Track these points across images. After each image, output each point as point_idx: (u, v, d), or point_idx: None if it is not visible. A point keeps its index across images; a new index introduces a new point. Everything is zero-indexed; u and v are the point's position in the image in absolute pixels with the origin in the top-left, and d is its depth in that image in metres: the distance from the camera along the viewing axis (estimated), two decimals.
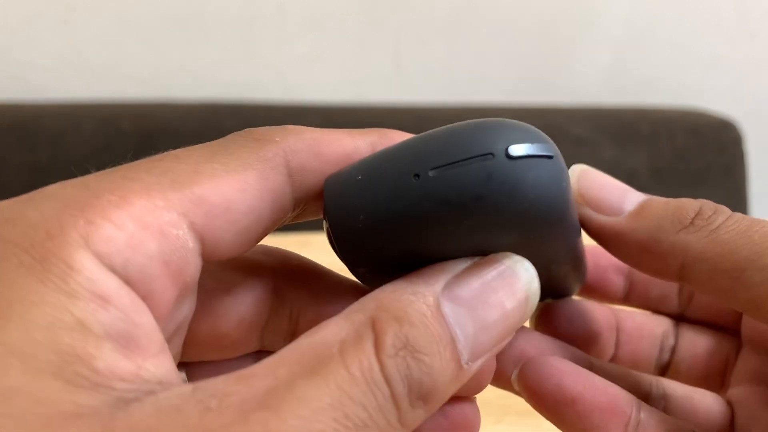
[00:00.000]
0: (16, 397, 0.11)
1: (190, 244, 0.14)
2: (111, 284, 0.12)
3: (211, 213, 0.14)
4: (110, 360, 0.12)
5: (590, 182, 0.20)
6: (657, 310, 0.25)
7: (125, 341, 0.12)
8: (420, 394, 0.13)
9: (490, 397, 0.20)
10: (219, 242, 0.14)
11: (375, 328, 0.13)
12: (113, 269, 0.12)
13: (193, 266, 0.14)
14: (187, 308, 0.15)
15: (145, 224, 0.13)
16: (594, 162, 0.95)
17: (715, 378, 0.23)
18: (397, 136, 0.17)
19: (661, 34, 1.01)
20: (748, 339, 0.23)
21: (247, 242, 0.15)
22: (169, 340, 0.15)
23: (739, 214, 0.18)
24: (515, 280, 0.15)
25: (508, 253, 0.15)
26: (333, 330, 0.13)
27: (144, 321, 0.13)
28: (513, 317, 0.15)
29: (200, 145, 0.16)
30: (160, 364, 0.13)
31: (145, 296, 0.13)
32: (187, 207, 0.14)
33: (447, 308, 0.14)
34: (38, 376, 0.11)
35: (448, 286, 0.14)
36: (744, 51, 1.04)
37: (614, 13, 0.99)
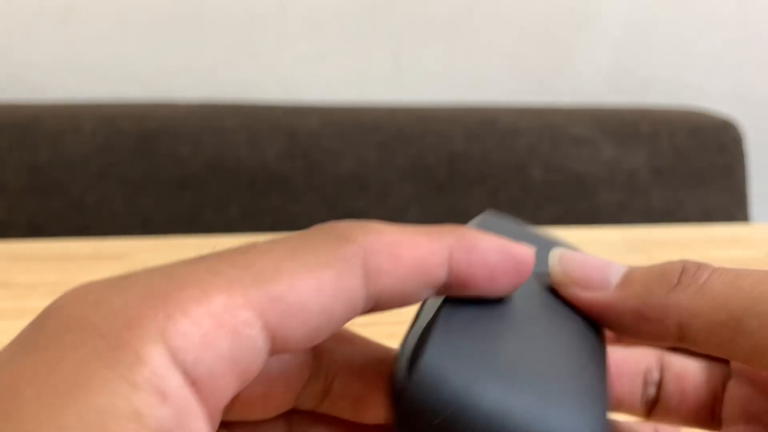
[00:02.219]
0: None
1: (260, 343, 0.14)
2: (174, 382, 0.13)
3: (286, 312, 0.14)
4: None
5: (572, 262, 0.20)
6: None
7: None
8: None
9: None
10: (288, 340, 0.14)
11: None
12: (182, 366, 0.13)
13: (257, 364, 0.14)
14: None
15: (222, 322, 0.13)
16: (594, 162, 0.95)
17: (706, 412, 0.23)
18: (474, 238, 0.17)
19: (662, 34, 1.01)
20: (738, 370, 0.23)
21: (314, 339, 0.15)
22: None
23: (722, 267, 0.19)
24: None
25: None
26: None
27: (194, 427, 0.13)
28: None
29: (283, 238, 0.16)
30: None
31: (207, 394, 0.13)
32: (264, 305, 0.14)
33: None
34: None
35: None
36: (744, 51, 1.04)
37: (615, 13, 0.99)
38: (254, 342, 0.14)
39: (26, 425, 0.11)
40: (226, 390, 0.13)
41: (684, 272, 0.19)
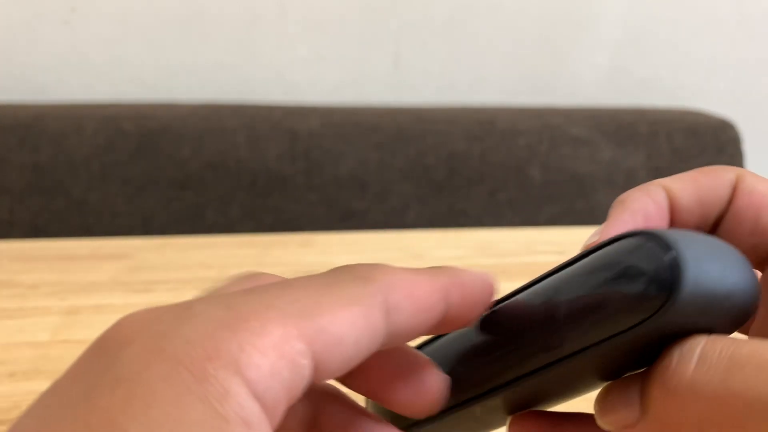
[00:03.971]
0: None
1: (307, 371, 0.15)
2: (255, 410, 0.14)
3: (329, 343, 0.15)
4: None
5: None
6: None
7: None
8: None
9: None
10: (327, 369, 0.15)
11: None
12: (257, 395, 0.14)
13: (301, 391, 0.15)
14: None
15: (283, 353, 0.14)
16: (593, 162, 0.95)
17: None
18: (463, 275, 0.19)
19: (660, 36, 1.02)
20: None
21: (345, 369, 0.16)
22: None
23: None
24: None
25: None
26: None
27: None
28: None
29: (313, 276, 0.17)
30: None
31: (271, 420, 0.14)
32: (313, 337, 0.15)
33: None
34: None
35: None
36: (742, 52, 1.04)
37: (613, 15, 0.99)
38: (305, 371, 0.15)
39: None
40: (280, 415, 0.15)
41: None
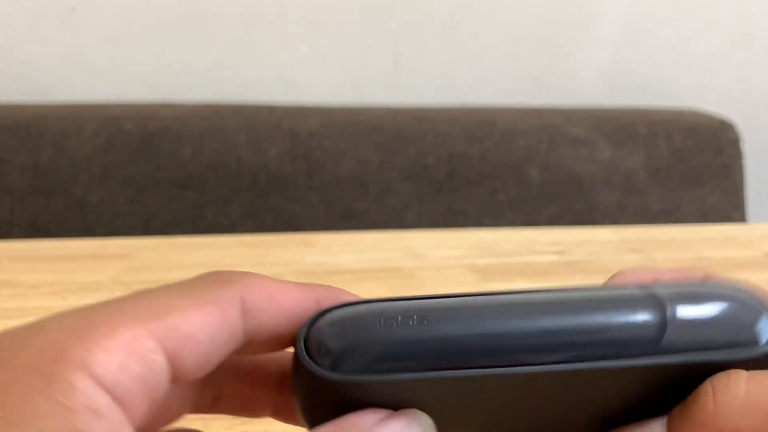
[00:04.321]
0: None
1: (163, 366, 0.17)
2: (104, 401, 0.15)
3: (182, 340, 0.17)
4: None
5: None
6: None
7: None
8: None
9: None
10: (185, 365, 0.17)
11: None
12: (105, 388, 0.15)
13: (163, 386, 0.17)
14: (149, 418, 0.18)
15: (131, 351, 0.16)
16: (592, 162, 0.95)
17: None
18: (341, 295, 0.20)
19: (659, 36, 1.02)
20: None
21: (205, 367, 0.18)
22: None
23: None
24: (415, 427, 0.18)
25: (414, 409, 0.19)
26: None
27: None
28: None
29: (174, 283, 0.19)
30: None
31: (128, 410, 0.16)
32: (163, 335, 0.17)
33: None
34: None
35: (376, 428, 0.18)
36: (741, 52, 1.04)
37: (613, 15, 0.99)
38: (159, 365, 0.16)
39: None
40: (140, 407, 0.16)
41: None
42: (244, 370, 0.22)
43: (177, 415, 0.21)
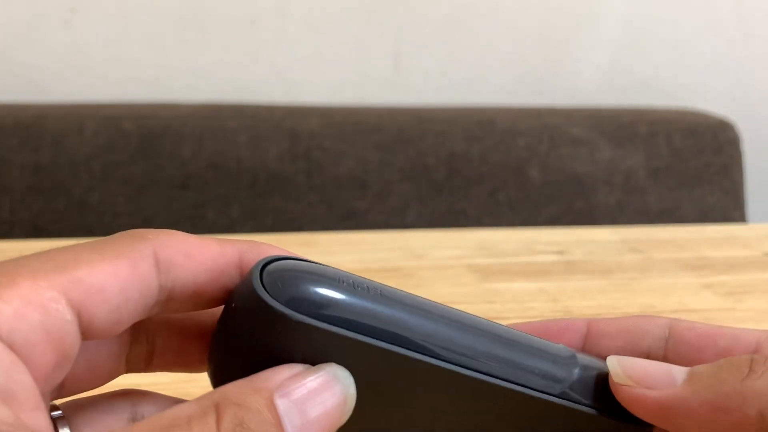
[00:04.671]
0: None
1: (68, 317, 0.17)
2: None
3: (88, 292, 0.17)
4: None
5: (633, 365, 0.21)
6: None
7: (4, 394, 0.15)
8: None
9: None
10: (94, 318, 0.17)
11: (218, 409, 0.16)
12: (0, 336, 0.15)
13: (71, 336, 0.17)
14: (66, 371, 0.18)
15: (30, 300, 0.16)
16: (592, 162, 0.95)
17: None
18: (268, 249, 0.20)
19: (659, 36, 1.02)
20: None
21: (119, 321, 0.18)
22: (48, 395, 0.18)
23: None
24: (335, 383, 0.18)
25: (331, 363, 0.18)
26: (185, 409, 0.16)
27: (22, 379, 0.16)
28: (333, 414, 0.18)
29: (86, 241, 0.19)
30: (35, 418, 0.16)
31: (27, 359, 0.16)
32: (67, 287, 0.17)
33: (279, 402, 0.17)
34: None
35: (281, 386, 0.17)
36: (741, 52, 1.04)
37: (613, 15, 0.99)
38: (62, 315, 0.16)
39: None
40: (44, 356, 0.16)
41: (754, 362, 0.19)
42: (175, 324, 0.21)
43: (110, 374, 0.21)
